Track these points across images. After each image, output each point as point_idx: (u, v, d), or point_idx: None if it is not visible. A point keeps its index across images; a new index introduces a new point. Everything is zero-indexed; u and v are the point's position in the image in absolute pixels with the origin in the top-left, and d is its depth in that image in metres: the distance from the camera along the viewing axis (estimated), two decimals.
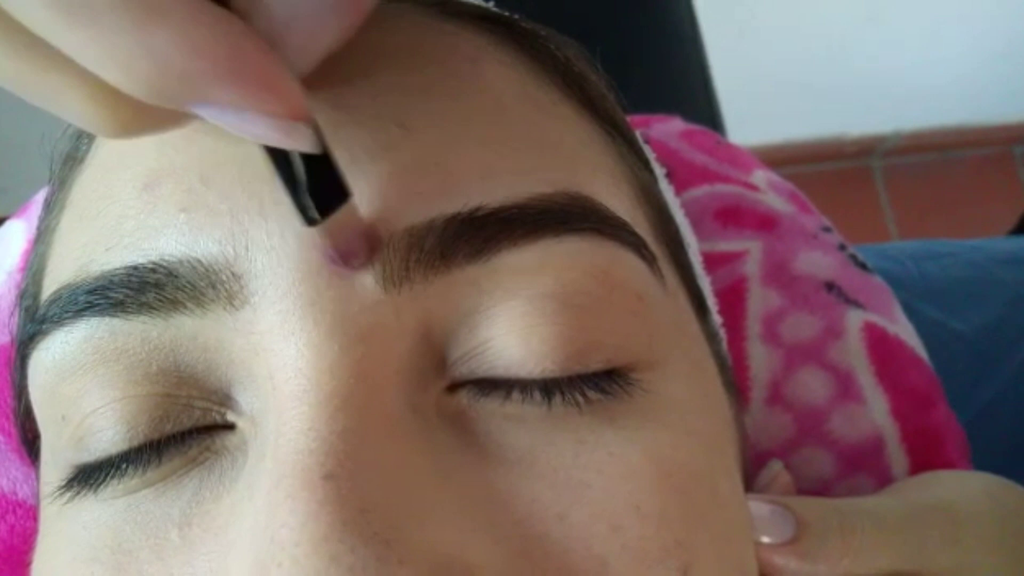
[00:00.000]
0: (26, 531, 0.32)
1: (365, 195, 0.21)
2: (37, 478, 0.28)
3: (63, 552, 0.22)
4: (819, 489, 0.35)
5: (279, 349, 0.20)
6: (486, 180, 0.21)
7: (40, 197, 0.39)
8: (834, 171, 1.58)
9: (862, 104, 1.44)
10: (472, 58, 0.24)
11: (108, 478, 0.21)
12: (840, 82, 1.40)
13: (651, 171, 0.30)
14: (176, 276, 0.21)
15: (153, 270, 0.21)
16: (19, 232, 0.37)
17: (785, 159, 1.48)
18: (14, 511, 0.32)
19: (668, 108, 0.47)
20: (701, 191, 0.40)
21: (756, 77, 1.28)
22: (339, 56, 0.23)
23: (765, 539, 0.26)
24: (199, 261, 0.21)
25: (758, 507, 0.26)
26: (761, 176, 0.43)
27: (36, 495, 0.32)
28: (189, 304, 0.21)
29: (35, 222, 0.37)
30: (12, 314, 0.33)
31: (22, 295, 0.29)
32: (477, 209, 0.21)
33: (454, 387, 0.22)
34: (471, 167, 0.22)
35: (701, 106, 0.74)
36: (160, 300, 0.21)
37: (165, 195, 0.22)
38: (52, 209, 0.27)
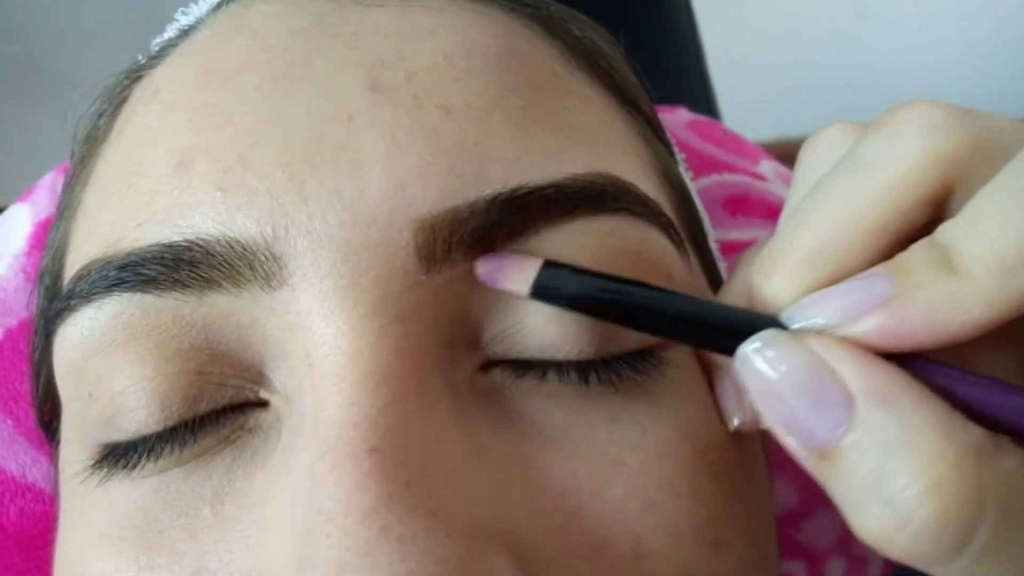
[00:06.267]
0: (36, 514, 0.32)
1: (407, 177, 0.21)
2: (54, 460, 0.28)
3: (90, 531, 0.22)
4: None
5: (318, 328, 0.20)
6: (522, 160, 0.22)
7: (44, 182, 0.38)
8: None
9: (854, 102, 1.45)
10: (503, 38, 0.24)
11: (142, 458, 0.21)
12: (831, 80, 1.41)
13: (673, 155, 0.30)
14: (212, 255, 0.20)
15: (188, 248, 0.21)
16: (23, 216, 0.37)
17: (777, 156, 1.48)
18: (24, 495, 0.32)
19: (667, 103, 0.47)
20: (710, 180, 0.40)
21: (748, 74, 1.29)
22: (371, 36, 0.23)
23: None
24: (237, 240, 0.20)
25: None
26: (768, 167, 0.43)
27: (47, 478, 0.32)
28: (224, 283, 0.21)
29: (40, 206, 0.37)
30: (31, 297, 0.33)
31: (41, 274, 0.28)
32: (516, 189, 0.21)
33: (487, 365, 0.22)
34: (507, 148, 0.22)
35: (699, 103, 0.74)
36: (194, 278, 0.21)
37: (200, 173, 0.21)
38: (74, 187, 0.27)
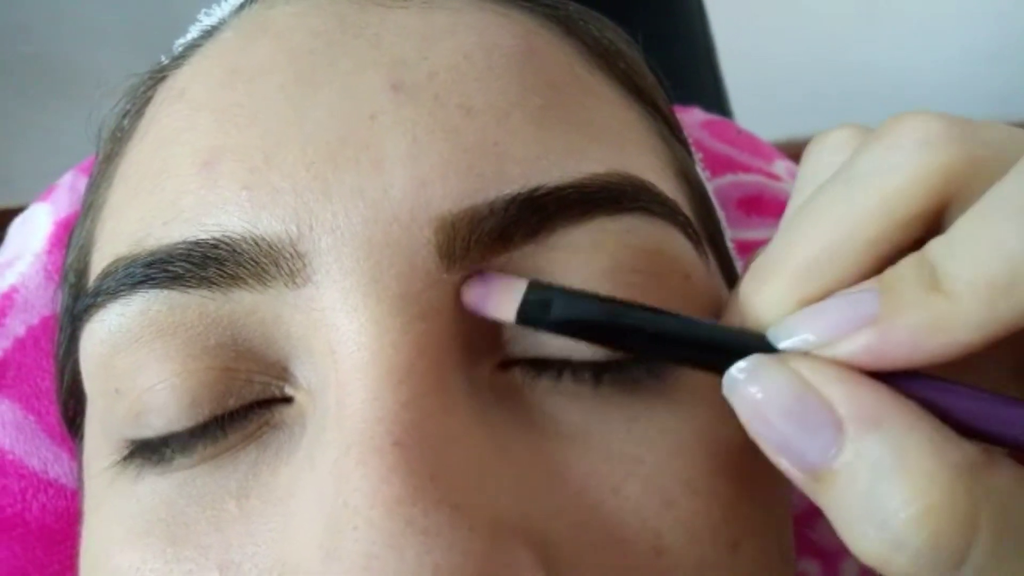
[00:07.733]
0: (58, 510, 0.32)
1: (428, 176, 0.21)
2: (78, 455, 0.29)
3: (117, 526, 0.22)
4: None
5: (341, 325, 0.20)
6: (541, 160, 0.22)
7: (64, 181, 0.39)
8: None
9: (863, 102, 1.45)
10: (523, 38, 0.24)
11: (173, 453, 0.21)
12: (841, 80, 1.41)
13: (690, 154, 0.30)
14: (239, 253, 0.21)
15: (215, 246, 0.21)
16: (44, 215, 0.37)
17: (788, 156, 1.48)
18: (46, 490, 0.32)
19: (679, 103, 0.47)
20: (725, 180, 0.41)
21: (759, 74, 1.29)
22: (393, 36, 0.23)
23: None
24: (262, 238, 0.21)
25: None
26: (782, 166, 0.43)
27: (68, 474, 0.32)
28: (250, 280, 0.21)
29: (60, 205, 0.37)
30: (53, 295, 0.33)
31: (66, 272, 0.29)
32: (536, 189, 0.21)
33: (507, 364, 0.22)
34: (527, 147, 0.22)
35: (711, 102, 0.74)
36: (221, 275, 0.21)
37: (226, 172, 0.22)
38: (99, 185, 0.27)
